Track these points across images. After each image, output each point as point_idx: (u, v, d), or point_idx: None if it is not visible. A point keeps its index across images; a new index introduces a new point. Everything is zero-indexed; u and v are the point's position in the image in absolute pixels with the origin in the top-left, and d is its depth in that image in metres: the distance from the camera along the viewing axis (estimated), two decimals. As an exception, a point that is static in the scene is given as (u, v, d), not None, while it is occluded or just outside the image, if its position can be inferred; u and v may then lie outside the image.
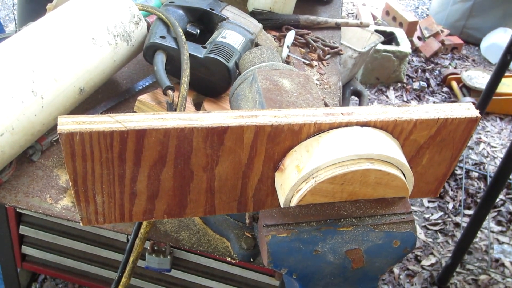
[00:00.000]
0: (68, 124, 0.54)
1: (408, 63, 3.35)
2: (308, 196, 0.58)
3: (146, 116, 0.57)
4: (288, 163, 0.60)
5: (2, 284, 1.27)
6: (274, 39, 1.33)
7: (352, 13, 4.08)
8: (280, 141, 0.59)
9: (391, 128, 0.61)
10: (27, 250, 1.20)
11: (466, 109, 0.62)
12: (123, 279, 0.89)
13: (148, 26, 1.11)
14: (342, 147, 0.56)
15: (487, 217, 2.24)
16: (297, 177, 0.57)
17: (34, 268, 1.26)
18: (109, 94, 1.13)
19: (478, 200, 2.36)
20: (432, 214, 2.34)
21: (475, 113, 0.62)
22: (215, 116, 0.57)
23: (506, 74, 2.66)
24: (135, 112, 1.03)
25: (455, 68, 3.46)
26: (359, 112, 0.60)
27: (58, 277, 1.30)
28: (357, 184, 0.58)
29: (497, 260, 2.15)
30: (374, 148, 0.57)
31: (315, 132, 0.59)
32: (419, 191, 0.71)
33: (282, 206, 0.61)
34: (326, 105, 1.24)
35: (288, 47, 1.25)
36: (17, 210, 1.07)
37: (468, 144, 2.72)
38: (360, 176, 0.57)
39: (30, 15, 2.05)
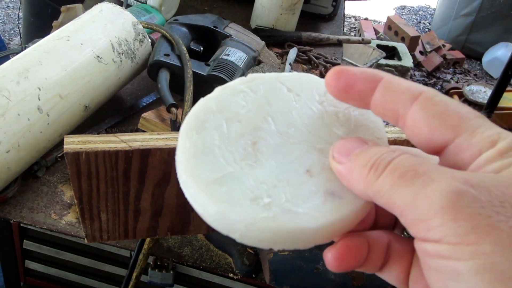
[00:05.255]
0: (74, 143, 0.56)
1: (410, 78, 3.37)
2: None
3: (151, 136, 0.58)
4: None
5: (5, 298, 1.27)
6: (277, 56, 1.35)
7: (355, 28, 4.11)
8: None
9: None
10: (30, 264, 1.21)
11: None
12: (126, 295, 0.90)
13: (153, 43, 1.13)
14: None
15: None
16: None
17: (37, 282, 1.27)
18: (114, 110, 1.14)
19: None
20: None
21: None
22: (218, 136, 0.58)
23: (508, 88, 2.67)
24: (139, 128, 1.04)
25: (457, 82, 3.48)
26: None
27: (61, 291, 1.31)
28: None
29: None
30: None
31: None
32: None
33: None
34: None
35: (290, 64, 1.26)
36: (21, 225, 1.07)
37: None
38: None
39: (36, 30, 2.08)
